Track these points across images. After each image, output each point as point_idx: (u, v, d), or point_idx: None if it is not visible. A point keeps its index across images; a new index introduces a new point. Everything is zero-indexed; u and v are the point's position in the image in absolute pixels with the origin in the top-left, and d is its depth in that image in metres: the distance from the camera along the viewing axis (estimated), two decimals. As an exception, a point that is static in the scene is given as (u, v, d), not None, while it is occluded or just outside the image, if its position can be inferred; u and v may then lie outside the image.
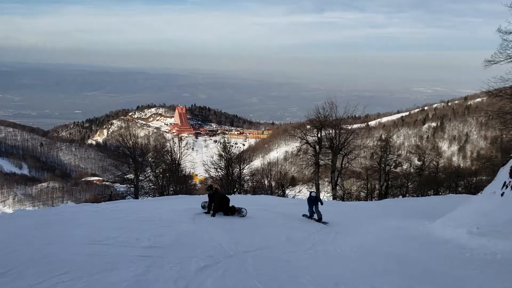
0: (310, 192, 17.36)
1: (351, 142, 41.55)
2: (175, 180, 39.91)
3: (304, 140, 41.26)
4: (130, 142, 38.21)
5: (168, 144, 46.20)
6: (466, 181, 59.82)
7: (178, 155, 41.67)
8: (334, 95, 40.03)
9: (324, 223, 15.43)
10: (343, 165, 41.36)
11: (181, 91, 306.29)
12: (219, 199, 13.93)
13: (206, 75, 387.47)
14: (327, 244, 10.52)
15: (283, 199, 26.06)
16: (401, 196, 51.94)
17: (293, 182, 54.23)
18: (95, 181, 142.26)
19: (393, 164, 50.37)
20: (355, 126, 37.71)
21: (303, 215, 16.40)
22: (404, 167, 53.61)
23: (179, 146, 45.45)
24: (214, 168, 42.40)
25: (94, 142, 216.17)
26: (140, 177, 37.37)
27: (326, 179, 47.29)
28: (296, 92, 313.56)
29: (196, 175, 58.82)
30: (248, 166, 44.11)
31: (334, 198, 39.90)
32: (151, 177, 39.07)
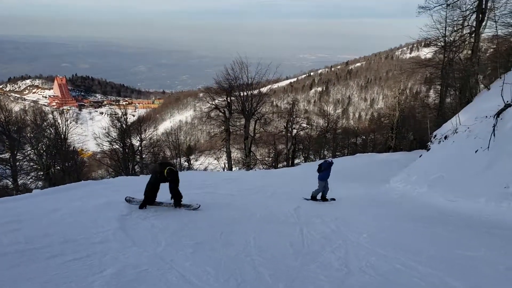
0: (327, 160, 13.52)
1: (264, 106, 38.82)
2: (61, 158, 34.54)
3: (213, 105, 37.01)
4: (2, 116, 32.20)
5: (50, 116, 39.28)
6: (362, 140, 62.66)
7: (64, 128, 35.65)
8: (223, 62, 36.29)
9: (331, 199, 13.19)
10: (256, 130, 38.44)
11: (59, 61, 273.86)
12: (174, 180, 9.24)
13: (88, 43, 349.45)
14: (352, 250, 6.64)
15: (214, 173, 21.62)
16: (303, 159, 52.02)
17: (190, 152, 50.23)
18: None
19: (300, 127, 49.44)
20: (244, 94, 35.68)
21: (306, 198, 13.08)
22: (306, 130, 53.04)
23: (65, 118, 38.78)
24: (108, 141, 37.09)
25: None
26: (18, 156, 31.96)
27: (236, 146, 44.51)
28: (185, 60, 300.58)
29: (82, 150, 52.35)
30: (150, 135, 38.98)
31: (247, 166, 37.09)
32: (31, 155, 33.17)
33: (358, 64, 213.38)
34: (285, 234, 7.52)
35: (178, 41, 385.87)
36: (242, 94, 36.32)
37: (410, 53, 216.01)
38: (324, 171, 13.00)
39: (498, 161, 10.16)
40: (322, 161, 14.16)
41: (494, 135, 11.41)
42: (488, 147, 11.10)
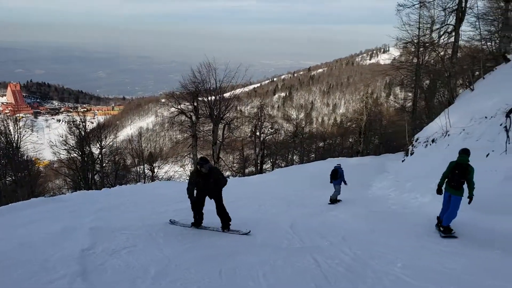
0: (336, 166, 14.56)
1: (232, 110, 37.08)
2: (13, 168, 31.95)
3: (179, 109, 34.95)
4: None
5: (1, 124, 36.32)
6: (328, 144, 62.73)
7: (16, 136, 33.06)
8: (188, 68, 34.34)
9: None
10: (224, 135, 36.61)
11: (13, 67, 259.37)
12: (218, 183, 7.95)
13: (49, 48, 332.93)
14: None
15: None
16: (271, 165, 50.96)
17: (152, 159, 48.21)
18: None
19: (269, 132, 48.38)
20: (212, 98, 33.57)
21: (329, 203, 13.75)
22: (275, 134, 52.03)
23: (17, 126, 36.06)
24: (66, 149, 34.58)
25: None
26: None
27: (203, 153, 42.71)
28: (148, 65, 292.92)
29: (38, 159, 49.56)
30: (110, 142, 36.63)
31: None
32: (-23, 166, 30.69)
33: (320, 70, 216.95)
34: (299, 268, 5.82)
35: (142, 46, 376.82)
36: (210, 98, 34.47)
37: (370, 59, 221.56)
38: (341, 177, 14.19)
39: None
40: (333, 168, 14.66)
41: (508, 137, 10.21)
42: (506, 151, 9.85)
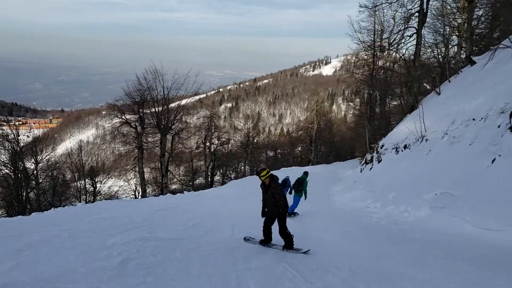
0: (285, 178, 15.56)
1: (181, 121, 34.80)
2: None
3: (123, 119, 32.20)
4: None
5: None
6: (279, 153, 62.60)
7: None
8: (128, 78, 31.90)
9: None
10: (174, 147, 34.19)
11: None
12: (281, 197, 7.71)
13: None
14: None
15: (138, 202, 16.47)
16: (221, 176, 49.48)
17: (93, 174, 44.97)
18: None
19: (220, 142, 46.93)
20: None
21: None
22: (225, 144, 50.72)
23: None
24: None
25: None
26: None
27: (150, 166, 40.11)
28: (86, 76, 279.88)
29: None
30: (47, 156, 33.31)
31: (165, 188, 32.78)
32: None
33: (266, 81, 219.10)
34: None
35: (78, 57, 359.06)
36: (157, 107, 32.03)
37: (313, 70, 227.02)
38: (289, 186, 15.30)
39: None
40: (282, 179, 15.34)
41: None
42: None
